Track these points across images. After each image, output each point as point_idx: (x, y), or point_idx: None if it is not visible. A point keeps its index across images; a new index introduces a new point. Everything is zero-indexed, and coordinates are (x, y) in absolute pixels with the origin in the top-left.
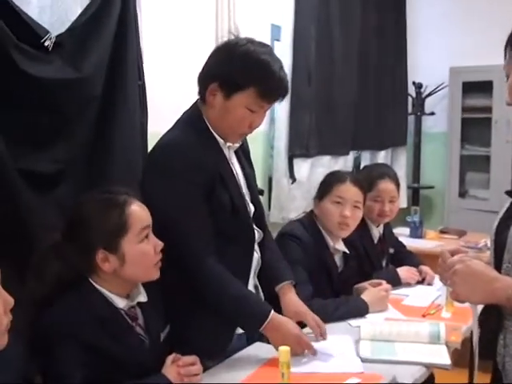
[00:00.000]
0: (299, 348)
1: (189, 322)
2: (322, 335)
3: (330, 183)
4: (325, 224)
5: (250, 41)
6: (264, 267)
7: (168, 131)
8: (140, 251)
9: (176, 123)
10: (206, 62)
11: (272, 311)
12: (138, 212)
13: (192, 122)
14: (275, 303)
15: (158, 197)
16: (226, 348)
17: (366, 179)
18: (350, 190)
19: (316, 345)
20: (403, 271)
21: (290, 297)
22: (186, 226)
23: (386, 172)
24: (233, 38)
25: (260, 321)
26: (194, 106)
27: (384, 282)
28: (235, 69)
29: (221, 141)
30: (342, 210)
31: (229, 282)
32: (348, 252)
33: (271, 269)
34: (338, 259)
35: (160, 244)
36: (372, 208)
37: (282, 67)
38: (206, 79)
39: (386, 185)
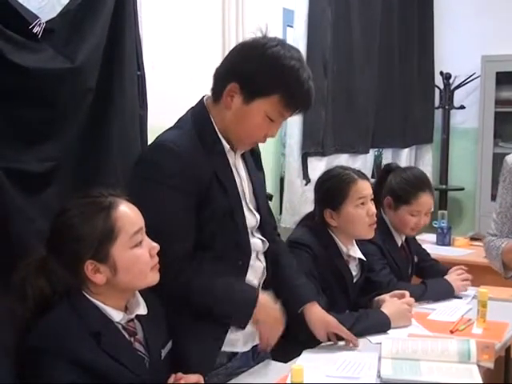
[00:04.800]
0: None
1: (188, 337)
2: (354, 344)
3: (342, 190)
4: (354, 231)
5: (281, 43)
6: (283, 287)
7: (168, 130)
8: (132, 257)
9: (178, 122)
10: (228, 58)
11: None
12: (127, 214)
13: (196, 122)
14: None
15: (139, 201)
16: (214, 363)
17: (405, 189)
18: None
19: (337, 361)
20: None
21: (315, 311)
22: (166, 236)
23: (426, 182)
24: (261, 35)
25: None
26: (200, 103)
27: (407, 293)
28: (261, 72)
29: (226, 146)
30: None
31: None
32: (364, 259)
33: (291, 289)
34: (353, 267)
35: (155, 246)
36: (407, 221)
37: (310, 77)
38: (225, 77)
39: (427, 198)
